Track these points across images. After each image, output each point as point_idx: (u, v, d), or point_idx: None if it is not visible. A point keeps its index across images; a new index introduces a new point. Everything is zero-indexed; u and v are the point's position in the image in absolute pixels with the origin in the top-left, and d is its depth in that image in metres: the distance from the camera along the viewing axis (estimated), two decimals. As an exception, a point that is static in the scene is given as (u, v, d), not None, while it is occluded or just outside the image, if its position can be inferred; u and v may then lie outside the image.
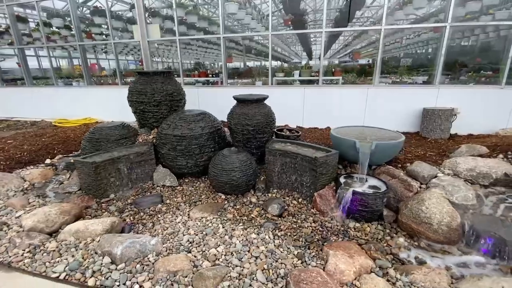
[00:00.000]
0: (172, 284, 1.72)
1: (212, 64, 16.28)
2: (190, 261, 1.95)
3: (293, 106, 5.11)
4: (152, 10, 5.99)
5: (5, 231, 2.27)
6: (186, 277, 1.78)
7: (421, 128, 4.47)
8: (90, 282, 1.75)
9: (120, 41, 5.94)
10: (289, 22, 5.55)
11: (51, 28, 6.73)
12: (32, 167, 3.55)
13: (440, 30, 4.30)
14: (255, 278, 1.79)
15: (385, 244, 2.33)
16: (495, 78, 4.45)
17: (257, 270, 1.87)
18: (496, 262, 2.11)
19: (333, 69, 5.14)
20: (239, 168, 3.01)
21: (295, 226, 2.53)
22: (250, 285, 1.73)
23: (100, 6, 5.95)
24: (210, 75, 5.88)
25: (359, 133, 3.42)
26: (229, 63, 5.81)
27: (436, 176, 2.88)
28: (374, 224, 2.62)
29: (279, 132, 3.76)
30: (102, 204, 2.95)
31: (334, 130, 3.46)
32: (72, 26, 5.81)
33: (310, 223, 2.59)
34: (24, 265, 1.89)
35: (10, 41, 6.70)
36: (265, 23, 7.03)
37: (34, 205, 2.70)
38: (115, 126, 3.69)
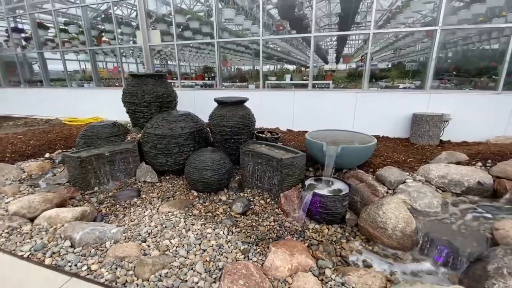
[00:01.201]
0: (116, 268, 1.88)
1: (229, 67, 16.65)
2: (141, 249, 2.11)
3: (283, 110, 5.18)
4: (156, 16, 6.34)
5: (-7, 214, 2.57)
6: (131, 263, 1.93)
7: (410, 134, 4.36)
8: (47, 261, 1.96)
9: (124, 45, 6.33)
10: (280, 27, 5.64)
11: (70, 34, 7.33)
12: (32, 160, 3.92)
13: (431, 34, 4.19)
14: (193, 269, 1.91)
15: (338, 247, 2.36)
16: (491, 83, 4.24)
17: (198, 261, 1.98)
18: (446, 271, 2.07)
19: (324, 73, 5.14)
20: (210, 167, 3.14)
21: (254, 224, 2.61)
22: (186, 274, 1.84)
23: (109, 13, 6.39)
24: (207, 78, 6.11)
25: (333, 137, 3.44)
26: (224, 66, 5.98)
27: (404, 182, 2.84)
28: (335, 226, 2.63)
29: (258, 134, 3.85)
30: (86, 196, 3.20)
31: (310, 133, 3.50)
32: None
33: (270, 222, 2.66)
34: (-2, 243, 2.15)
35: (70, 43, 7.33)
36: (268, 27, 7.16)
37: (23, 193, 3.00)
38: (106, 125, 3.98)
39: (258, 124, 5.49)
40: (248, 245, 2.23)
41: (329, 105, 4.85)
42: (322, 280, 1.87)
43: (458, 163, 3.09)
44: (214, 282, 1.77)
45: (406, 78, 5.39)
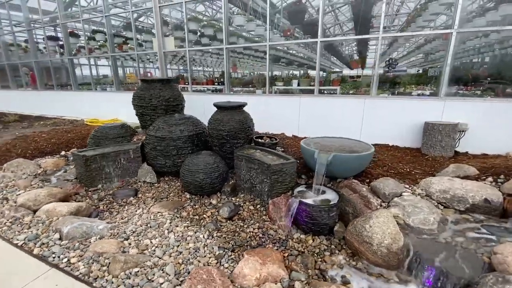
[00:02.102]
0: (92, 262, 1.98)
1: (242, 73, 16.88)
2: (121, 247, 2.19)
3: (289, 115, 5.11)
4: (174, 24, 6.63)
5: (3, 204, 2.83)
6: (107, 259, 2.01)
7: (421, 144, 4.07)
8: (36, 251, 2.11)
9: (141, 52, 6.70)
10: (288, 33, 5.60)
11: (99, 42, 7.93)
12: (49, 157, 4.26)
13: (447, 37, 3.90)
14: (163, 270, 1.94)
15: (319, 259, 2.26)
16: None
17: (170, 263, 2.01)
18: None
19: (331, 79, 5.00)
20: (203, 170, 3.19)
21: (238, 230, 2.59)
22: (154, 274, 1.88)
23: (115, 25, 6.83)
24: (216, 83, 6.24)
25: (331, 144, 3.32)
26: (234, 71, 6.06)
27: (400, 195, 2.65)
28: (322, 238, 2.53)
29: (256, 139, 3.83)
30: (89, 192, 3.41)
31: (305, 140, 3.42)
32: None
33: (254, 229, 2.62)
34: (0, 230, 2.36)
35: (74, 52, 8.05)
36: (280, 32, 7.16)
37: (33, 187, 3.27)
38: (115, 126, 4.22)
39: (264, 129, 5.49)
40: (224, 251, 2.22)
41: (336, 111, 4.70)
42: (290, 292, 1.80)
43: (466, 177, 2.82)
44: (179, 285, 1.79)
45: (426, 85, 5.03)
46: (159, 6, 5.77)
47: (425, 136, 3.97)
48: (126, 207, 3.05)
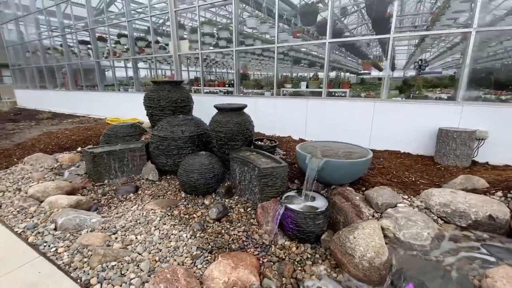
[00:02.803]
0: (76, 253, 2.10)
1: (257, 74, 16.92)
2: (106, 240, 2.30)
3: (297, 118, 5.01)
4: (190, 27, 6.85)
5: (15, 194, 3.11)
6: (90, 251, 2.12)
7: (435, 152, 3.76)
8: (30, 239, 2.29)
9: (159, 55, 6.99)
10: (297, 35, 5.49)
11: (125, 45, 8.45)
12: (67, 152, 4.61)
13: (466, 37, 3.58)
14: (138, 266, 2.00)
15: (299, 268, 2.18)
16: None
17: (147, 260, 2.07)
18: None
19: (340, 81, 4.80)
20: (198, 170, 3.24)
21: (222, 231, 2.60)
22: (128, 269, 1.94)
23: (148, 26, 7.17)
24: (227, 85, 6.31)
25: (328, 149, 3.20)
26: (244, 73, 6.10)
27: (395, 206, 2.48)
28: (307, 246, 2.44)
29: (255, 142, 3.81)
30: (95, 187, 3.62)
31: (301, 144, 3.34)
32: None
33: (239, 232, 2.60)
34: (6, 218, 2.60)
35: (106, 55, 8.66)
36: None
37: (46, 180, 3.55)
38: (125, 126, 4.45)
39: (271, 132, 5.45)
40: (202, 252, 2.23)
41: (345, 115, 4.52)
42: (255, 300, 1.76)
43: (473, 190, 2.55)
44: (147, 281, 1.83)
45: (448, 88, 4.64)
46: (175, 11, 5.99)
47: (438, 143, 3.67)
48: (124, 202, 3.19)
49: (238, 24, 5.34)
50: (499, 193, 2.42)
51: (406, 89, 5.40)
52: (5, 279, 1.83)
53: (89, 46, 8.53)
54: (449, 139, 3.50)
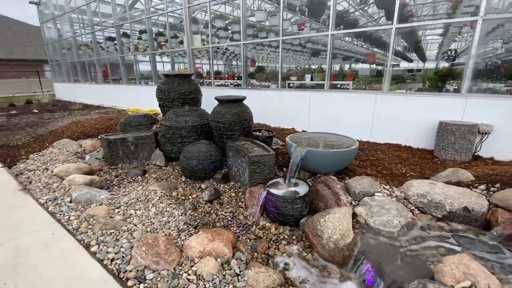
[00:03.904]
0: (83, 221, 2.48)
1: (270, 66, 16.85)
2: (109, 213, 2.67)
3: (300, 110, 5.10)
4: (203, 22, 7.12)
5: (43, 172, 3.64)
6: (95, 220, 2.50)
7: (434, 146, 3.68)
8: (50, 208, 2.73)
9: (174, 49, 7.37)
10: (302, 27, 5.47)
11: (146, 41, 9.00)
12: (90, 139, 5.16)
13: (473, 25, 3.41)
14: (132, 234, 2.33)
15: (273, 246, 2.38)
16: None
17: (140, 230, 2.40)
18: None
19: (344, 74, 4.77)
20: (196, 157, 3.53)
21: (212, 211, 2.86)
22: (122, 236, 2.28)
23: (170, 23, 7.55)
24: (236, 78, 6.52)
25: (318, 140, 3.31)
26: (253, 66, 6.25)
27: (373, 195, 2.56)
28: (286, 228, 2.63)
29: (253, 132, 4.01)
30: (110, 169, 4.08)
31: (294, 134, 3.47)
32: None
33: (226, 212, 2.85)
34: (33, 192, 3.09)
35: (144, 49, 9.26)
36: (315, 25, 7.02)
37: (69, 161, 4.07)
38: (138, 116, 4.87)
39: (276, 123, 5.60)
40: (188, 227, 2.51)
41: (346, 107, 4.53)
42: (223, 267, 2.00)
43: (458, 183, 2.54)
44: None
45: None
46: (188, 7, 6.27)
47: (438, 137, 3.60)
48: (132, 183, 3.58)
49: (246, 18, 5.48)
50: (482, 187, 2.40)
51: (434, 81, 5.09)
52: (26, 237, 2.25)
53: (115, 42, 9.19)
54: (448, 133, 3.43)
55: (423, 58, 21.24)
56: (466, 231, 2.18)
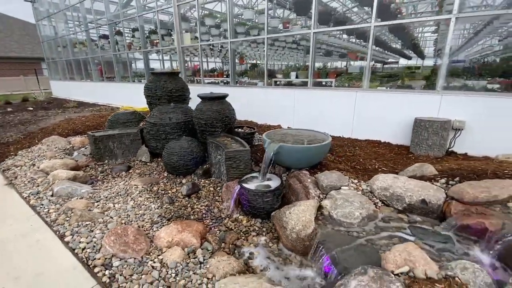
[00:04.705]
0: (61, 214, 2.59)
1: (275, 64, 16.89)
2: (88, 206, 2.78)
3: (285, 107, 5.19)
4: (194, 20, 7.18)
5: (29, 168, 3.75)
6: (73, 213, 2.61)
7: (410, 142, 3.77)
8: (32, 202, 2.84)
9: (164, 47, 7.44)
10: (287, 25, 5.54)
11: (138, 39, 9.08)
12: (79, 136, 5.27)
13: (447, 23, 3.47)
14: (106, 225, 2.44)
15: (242, 237, 2.48)
16: None
17: (115, 222, 2.51)
18: (319, 281, 1.98)
19: (327, 72, 4.85)
20: (177, 153, 3.63)
21: (188, 205, 2.97)
22: (96, 227, 2.39)
23: (162, 20, 7.62)
24: (225, 76, 6.60)
25: (295, 136, 3.40)
26: (241, 64, 6.31)
27: (339, 188, 2.66)
28: (257, 220, 2.73)
29: (235, 129, 4.10)
30: (96, 165, 4.19)
31: (271, 131, 3.56)
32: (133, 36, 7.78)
33: (202, 206, 2.96)
34: (18, 186, 3.20)
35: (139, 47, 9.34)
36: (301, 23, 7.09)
37: (56, 157, 4.18)
38: (126, 113, 4.97)
39: (263, 120, 5.69)
40: (161, 219, 2.62)
41: (329, 104, 4.62)
42: (189, 256, 2.11)
43: (421, 176, 2.63)
44: (108, 237, 2.25)
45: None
46: (177, 5, 6.34)
47: (413, 133, 3.69)
48: (116, 179, 3.69)
49: (233, 17, 5.55)
50: (443, 180, 2.49)
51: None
52: (5, 228, 2.37)
53: (109, 40, 9.27)
54: (422, 129, 3.51)
55: (421, 55, 21.21)
56: (423, 222, 2.28)
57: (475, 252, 1.92)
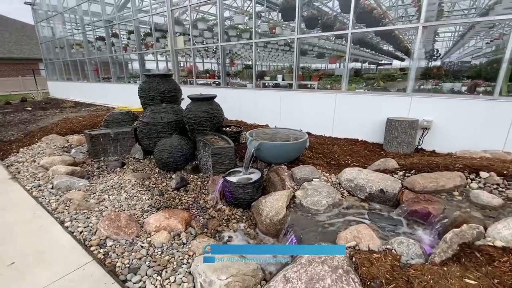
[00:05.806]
0: (61, 203, 2.88)
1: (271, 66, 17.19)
2: (85, 197, 3.07)
3: (272, 108, 5.49)
4: (187, 24, 7.47)
5: (30, 164, 4.03)
6: (72, 203, 2.90)
7: (383, 140, 4.09)
8: (34, 193, 3.12)
9: (158, 50, 7.73)
10: (273, 30, 5.85)
11: (134, 41, 9.35)
12: (76, 134, 5.54)
13: (416, 32, 3.80)
14: (102, 213, 2.73)
15: (224, 224, 2.78)
16: (488, 88, 3.54)
17: (109, 210, 2.80)
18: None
19: (310, 74, 5.17)
20: (168, 150, 3.93)
21: (176, 197, 3.26)
22: (93, 215, 2.68)
23: (157, 23, 7.90)
24: (216, 77, 6.90)
25: (276, 134, 3.71)
26: (231, 66, 6.61)
27: (311, 180, 2.97)
28: (239, 210, 3.03)
29: (224, 128, 4.40)
30: (93, 162, 4.47)
31: (254, 130, 3.86)
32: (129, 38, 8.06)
33: (189, 198, 3.25)
34: (21, 180, 3.48)
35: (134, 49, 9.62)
36: (291, 27, 7.40)
37: (55, 155, 4.45)
38: (121, 113, 5.25)
39: (252, 120, 6.00)
40: (151, 208, 2.92)
41: (311, 105, 4.93)
42: (174, 238, 2.41)
43: (384, 170, 2.95)
44: (103, 222, 2.54)
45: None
46: (171, 10, 6.63)
47: (385, 132, 4.01)
48: (111, 174, 3.98)
49: (224, 21, 5.85)
50: (401, 173, 2.81)
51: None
52: (12, 216, 2.65)
53: (105, 42, 9.54)
54: (392, 128, 3.84)
55: (412, 57, 21.65)
56: (381, 209, 2.59)
57: (419, 232, 2.24)
